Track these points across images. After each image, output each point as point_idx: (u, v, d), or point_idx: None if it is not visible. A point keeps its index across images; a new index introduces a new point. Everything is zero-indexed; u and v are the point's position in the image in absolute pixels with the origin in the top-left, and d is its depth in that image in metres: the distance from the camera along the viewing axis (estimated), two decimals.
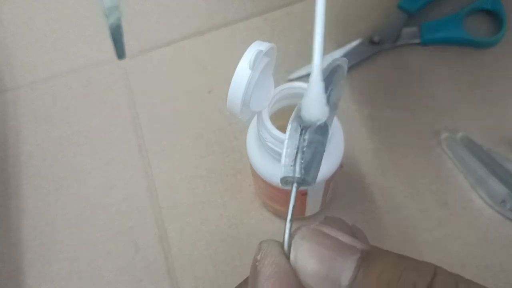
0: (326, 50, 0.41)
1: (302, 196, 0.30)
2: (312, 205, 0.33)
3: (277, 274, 0.17)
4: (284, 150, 0.20)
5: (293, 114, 0.20)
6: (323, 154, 0.20)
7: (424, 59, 0.41)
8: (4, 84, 0.43)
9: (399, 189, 0.36)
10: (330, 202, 0.36)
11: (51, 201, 0.38)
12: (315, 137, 0.20)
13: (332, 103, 0.21)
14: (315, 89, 0.20)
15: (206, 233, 0.36)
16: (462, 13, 0.41)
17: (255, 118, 0.29)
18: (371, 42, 0.41)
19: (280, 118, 0.28)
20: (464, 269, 0.33)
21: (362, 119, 0.39)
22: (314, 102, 0.20)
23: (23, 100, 0.42)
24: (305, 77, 0.40)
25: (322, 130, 0.20)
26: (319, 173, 0.28)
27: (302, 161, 0.20)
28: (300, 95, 0.27)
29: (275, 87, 0.27)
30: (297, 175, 0.19)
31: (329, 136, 0.25)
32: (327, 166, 0.28)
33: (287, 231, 0.18)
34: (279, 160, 0.27)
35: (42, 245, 0.36)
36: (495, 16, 0.42)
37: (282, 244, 0.18)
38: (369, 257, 0.17)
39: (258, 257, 0.18)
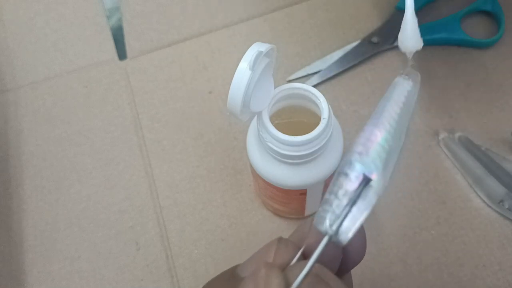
0: (325, 51, 0.42)
1: (301, 195, 0.31)
2: (312, 205, 0.33)
3: None
4: (335, 199, 0.18)
5: (345, 164, 0.18)
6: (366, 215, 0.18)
7: (423, 59, 0.41)
8: (5, 84, 0.43)
9: (398, 188, 0.36)
10: None
11: (52, 201, 0.38)
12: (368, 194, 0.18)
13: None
14: (410, 22, 0.23)
15: (206, 232, 0.36)
16: (460, 14, 0.42)
17: (255, 118, 0.29)
18: (370, 42, 0.41)
19: (280, 118, 0.29)
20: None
21: (361, 119, 0.39)
22: (410, 34, 0.23)
23: (24, 100, 0.42)
24: (305, 78, 0.41)
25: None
26: (319, 174, 0.29)
27: (344, 218, 0.17)
28: (299, 96, 0.27)
29: (275, 87, 0.27)
30: (332, 232, 0.17)
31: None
32: (327, 166, 0.28)
33: (303, 273, 0.17)
34: (279, 161, 0.27)
35: (43, 244, 0.37)
36: (493, 17, 0.42)
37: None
38: None
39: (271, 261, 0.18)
